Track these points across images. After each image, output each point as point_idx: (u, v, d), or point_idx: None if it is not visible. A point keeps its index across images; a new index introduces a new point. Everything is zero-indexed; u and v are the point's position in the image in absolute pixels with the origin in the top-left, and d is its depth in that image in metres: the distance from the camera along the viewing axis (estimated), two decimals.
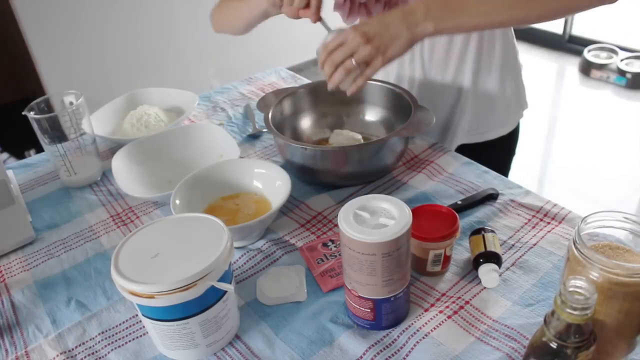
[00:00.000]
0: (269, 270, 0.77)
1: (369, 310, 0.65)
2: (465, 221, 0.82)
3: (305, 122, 1.07)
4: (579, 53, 3.38)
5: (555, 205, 0.84)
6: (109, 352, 0.68)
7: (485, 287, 0.71)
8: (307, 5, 0.87)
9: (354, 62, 0.77)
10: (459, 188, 0.90)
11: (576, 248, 0.54)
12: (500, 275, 0.72)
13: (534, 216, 0.83)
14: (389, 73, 1.12)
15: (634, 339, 0.57)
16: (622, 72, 3.14)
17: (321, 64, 0.81)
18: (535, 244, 0.78)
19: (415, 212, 0.67)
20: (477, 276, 0.71)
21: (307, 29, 1.21)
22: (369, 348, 0.65)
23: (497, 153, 1.14)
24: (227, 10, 1.07)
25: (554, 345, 0.51)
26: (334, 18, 1.00)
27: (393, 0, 0.93)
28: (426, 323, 0.67)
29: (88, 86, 2.54)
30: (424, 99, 1.09)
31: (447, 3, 0.77)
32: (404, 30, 0.77)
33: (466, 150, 1.09)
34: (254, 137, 1.13)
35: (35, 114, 0.94)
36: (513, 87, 1.09)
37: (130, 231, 0.86)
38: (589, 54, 3.32)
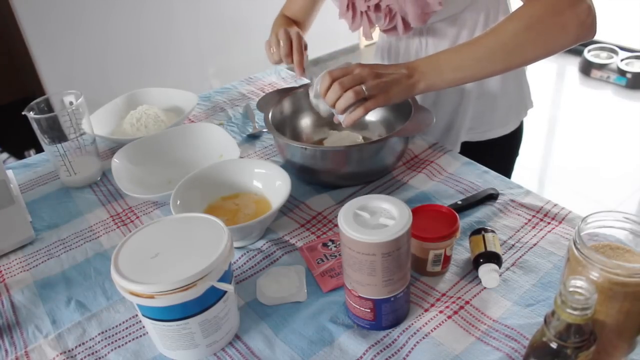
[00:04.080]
0: (269, 270, 0.77)
1: (369, 311, 0.65)
2: (465, 221, 0.82)
3: (305, 122, 1.07)
4: (579, 53, 3.38)
5: (555, 205, 0.84)
6: (108, 352, 0.68)
7: (485, 287, 0.71)
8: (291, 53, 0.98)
9: (364, 88, 0.78)
10: (459, 188, 0.90)
11: (576, 248, 0.54)
12: (500, 276, 0.72)
13: (534, 216, 0.82)
14: None
15: (634, 339, 0.57)
16: (622, 72, 3.14)
17: (324, 90, 0.80)
18: (535, 244, 0.77)
19: (415, 212, 0.67)
20: (477, 276, 0.71)
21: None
22: (369, 348, 0.65)
23: (500, 152, 1.14)
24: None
25: (554, 345, 0.51)
26: (340, 25, 1.01)
27: (393, 11, 0.93)
28: (426, 323, 0.67)
29: (88, 86, 2.54)
30: (427, 99, 1.09)
31: (434, 62, 0.82)
32: (404, 79, 0.80)
33: (468, 149, 1.09)
34: (254, 137, 1.13)
35: (35, 114, 0.94)
36: (516, 86, 1.09)
37: (130, 231, 0.86)
38: (589, 54, 3.32)
